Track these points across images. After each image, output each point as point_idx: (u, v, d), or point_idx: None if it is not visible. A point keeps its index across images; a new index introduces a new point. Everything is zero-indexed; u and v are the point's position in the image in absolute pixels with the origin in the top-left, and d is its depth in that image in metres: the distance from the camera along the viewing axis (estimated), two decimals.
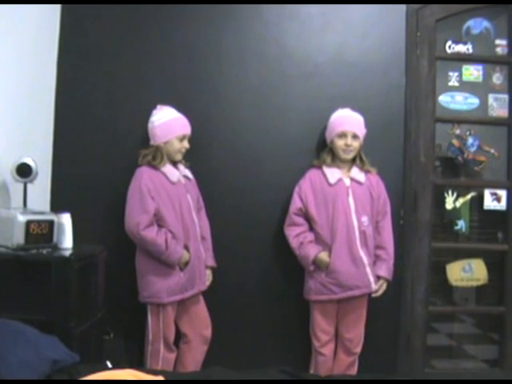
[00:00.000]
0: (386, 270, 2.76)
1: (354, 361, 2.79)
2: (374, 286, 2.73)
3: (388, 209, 2.84)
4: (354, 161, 2.82)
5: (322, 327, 2.77)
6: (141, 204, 2.53)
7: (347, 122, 2.78)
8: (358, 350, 2.77)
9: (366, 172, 2.81)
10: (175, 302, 2.63)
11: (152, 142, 2.68)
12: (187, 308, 2.72)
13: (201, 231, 2.76)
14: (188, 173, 2.78)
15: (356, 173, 2.79)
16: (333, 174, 2.78)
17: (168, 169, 2.65)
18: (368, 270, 2.71)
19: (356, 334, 2.76)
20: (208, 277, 2.81)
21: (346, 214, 2.72)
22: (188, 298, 2.67)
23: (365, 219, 2.73)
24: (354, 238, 2.70)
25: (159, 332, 2.62)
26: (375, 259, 2.77)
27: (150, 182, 2.58)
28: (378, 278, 2.75)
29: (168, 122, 2.66)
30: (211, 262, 2.82)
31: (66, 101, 2.95)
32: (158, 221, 2.57)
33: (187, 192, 2.72)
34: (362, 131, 2.80)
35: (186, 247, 2.63)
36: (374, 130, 2.87)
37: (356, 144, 2.76)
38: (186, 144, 2.69)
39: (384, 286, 2.78)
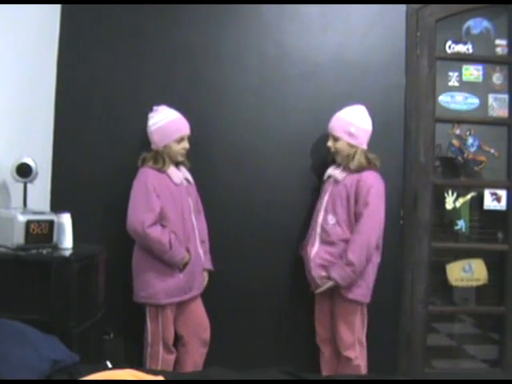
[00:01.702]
0: (336, 271, 2.61)
1: (348, 366, 2.71)
2: (318, 282, 2.68)
3: (365, 212, 2.62)
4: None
5: (319, 318, 2.84)
6: (146, 202, 2.53)
7: (330, 124, 2.79)
8: (348, 354, 2.69)
9: (358, 171, 2.69)
10: (174, 303, 2.63)
11: (153, 146, 2.69)
12: (184, 310, 2.71)
13: (200, 234, 2.76)
14: (189, 176, 2.78)
15: (337, 171, 2.76)
16: (328, 171, 2.85)
17: (171, 170, 2.65)
18: (311, 265, 2.68)
19: (342, 337, 2.70)
20: (204, 280, 2.80)
21: (317, 211, 2.79)
22: (186, 300, 2.67)
23: (331, 217, 2.70)
24: (314, 234, 2.74)
25: (158, 334, 2.62)
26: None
27: (156, 181, 2.58)
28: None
29: (164, 126, 2.64)
30: (209, 266, 2.82)
31: (65, 101, 2.95)
32: (162, 220, 2.57)
33: (188, 194, 2.73)
34: (341, 131, 2.71)
35: (187, 249, 2.63)
36: (374, 130, 2.86)
37: (338, 146, 2.73)
38: (185, 144, 2.69)
39: (328, 285, 2.65)
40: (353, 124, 2.72)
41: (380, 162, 2.76)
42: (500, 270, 3.22)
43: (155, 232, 2.51)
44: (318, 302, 2.85)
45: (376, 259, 2.72)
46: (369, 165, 2.71)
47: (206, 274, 2.81)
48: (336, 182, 2.74)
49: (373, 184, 2.66)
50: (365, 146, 2.76)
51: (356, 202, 2.66)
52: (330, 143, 2.77)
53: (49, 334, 1.93)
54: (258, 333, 3.02)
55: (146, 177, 2.58)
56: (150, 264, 2.59)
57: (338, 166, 2.79)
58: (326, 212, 2.72)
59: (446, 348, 3.59)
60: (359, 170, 2.69)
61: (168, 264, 2.57)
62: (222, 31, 3.02)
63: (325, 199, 2.76)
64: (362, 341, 2.74)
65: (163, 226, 2.56)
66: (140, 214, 2.52)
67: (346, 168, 2.72)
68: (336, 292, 2.68)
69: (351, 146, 2.72)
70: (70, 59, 2.95)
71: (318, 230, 2.73)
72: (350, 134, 2.71)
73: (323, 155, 3.00)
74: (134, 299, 2.65)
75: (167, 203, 2.58)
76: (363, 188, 2.65)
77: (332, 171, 2.80)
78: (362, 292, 2.67)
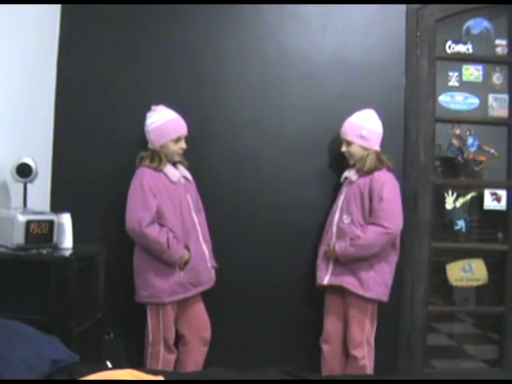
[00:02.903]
0: (340, 244, 2.68)
1: (354, 365, 2.73)
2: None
3: (380, 206, 2.64)
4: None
5: (329, 317, 2.84)
6: (143, 201, 2.54)
7: (342, 129, 2.83)
8: (356, 353, 2.72)
9: (368, 173, 2.73)
10: (175, 302, 2.63)
11: (149, 145, 2.70)
12: (186, 309, 2.72)
13: (203, 233, 2.76)
14: (187, 174, 2.78)
15: (351, 173, 2.81)
16: (345, 173, 2.88)
17: (168, 169, 2.66)
18: (331, 262, 2.76)
19: (352, 336, 2.73)
20: (213, 277, 2.80)
21: (333, 211, 2.85)
22: (187, 299, 2.67)
23: (346, 217, 2.74)
24: (330, 234, 2.79)
25: (159, 333, 2.62)
26: None
27: (152, 181, 2.58)
28: None
29: (161, 126, 2.65)
30: (214, 263, 2.83)
31: (65, 101, 2.95)
32: (159, 219, 2.57)
33: (187, 192, 2.73)
34: (353, 135, 2.77)
35: (187, 247, 2.63)
36: None
37: (351, 150, 2.78)
38: (182, 145, 2.70)
39: (330, 249, 2.74)
40: (364, 127, 2.77)
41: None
42: (500, 270, 3.21)
43: (153, 232, 2.51)
44: (330, 300, 2.85)
45: (393, 258, 2.77)
46: (381, 165, 2.74)
47: (213, 272, 2.81)
48: (351, 182, 2.80)
49: (385, 181, 2.71)
50: (377, 148, 2.80)
51: (371, 200, 2.69)
52: (343, 148, 2.83)
53: (49, 334, 1.93)
54: (258, 333, 3.02)
55: (142, 176, 2.59)
56: (150, 263, 2.59)
57: (354, 167, 2.82)
58: (341, 212, 2.77)
59: (446, 348, 3.59)
60: (371, 171, 2.73)
61: (167, 263, 2.57)
62: (222, 31, 3.02)
63: (340, 200, 2.82)
64: (370, 341, 2.77)
65: (161, 225, 2.56)
66: (137, 213, 2.52)
67: (360, 170, 2.76)
68: (349, 291, 2.70)
69: (364, 148, 2.77)
70: (69, 59, 2.95)
71: (334, 229, 2.78)
72: (362, 137, 2.76)
73: (323, 155, 3.02)
74: (136, 299, 2.66)
75: (164, 202, 2.59)
76: (376, 185, 2.69)
77: (348, 173, 2.85)
78: (381, 291, 2.71)
